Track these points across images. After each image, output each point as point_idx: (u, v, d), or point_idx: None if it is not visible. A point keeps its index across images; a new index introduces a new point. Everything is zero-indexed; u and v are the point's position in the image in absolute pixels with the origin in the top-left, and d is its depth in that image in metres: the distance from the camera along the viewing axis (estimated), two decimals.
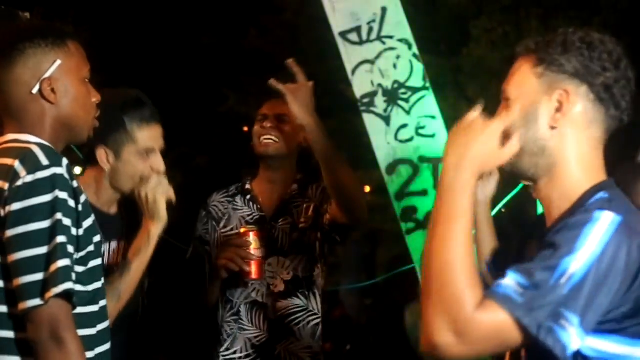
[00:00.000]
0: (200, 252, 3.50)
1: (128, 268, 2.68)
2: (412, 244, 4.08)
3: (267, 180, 3.54)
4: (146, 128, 2.82)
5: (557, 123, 1.82)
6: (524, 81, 1.87)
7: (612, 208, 1.71)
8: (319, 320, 3.45)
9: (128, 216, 2.89)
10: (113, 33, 12.07)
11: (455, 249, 1.70)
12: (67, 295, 2.06)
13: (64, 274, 2.05)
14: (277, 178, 3.53)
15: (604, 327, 1.69)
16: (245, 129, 14.14)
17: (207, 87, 12.75)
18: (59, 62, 2.25)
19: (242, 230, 3.31)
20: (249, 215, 3.50)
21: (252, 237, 3.27)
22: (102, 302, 2.29)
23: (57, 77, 2.25)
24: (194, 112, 12.75)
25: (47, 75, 2.24)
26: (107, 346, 2.31)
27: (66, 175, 2.12)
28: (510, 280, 1.64)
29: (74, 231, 2.13)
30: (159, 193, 2.74)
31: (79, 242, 2.16)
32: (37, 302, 2.04)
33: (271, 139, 3.45)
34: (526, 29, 8.67)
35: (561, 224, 1.74)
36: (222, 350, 3.43)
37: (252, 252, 3.25)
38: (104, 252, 2.73)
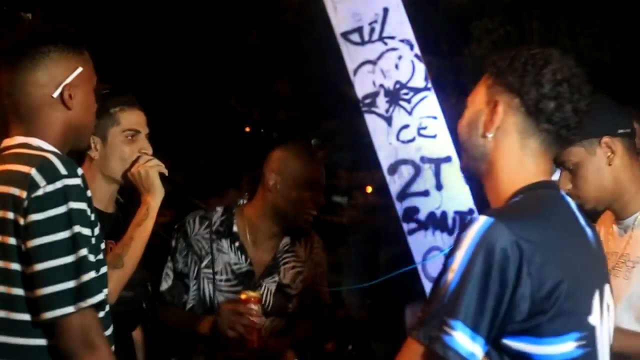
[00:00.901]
0: (179, 286, 3.32)
1: (130, 237, 2.70)
2: (414, 244, 4.08)
3: (263, 234, 3.36)
4: (128, 111, 2.84)
5: (488, 131, 1.93)
6: (477, 91, 2.01)
7: (492, 212, 1.80)
8: None
9: (123, 217, 2.89)
10: (114, 34, 12.08)
11: None
12: (98, 305, 2.09)
13: (96, 285, 2.08)
14: (277, 231, 3.37)
15: (513, 328, 1.75)
16: (247, 129, 14.17)
17: (208, 88, 12.75)
18: (80, 69, 2.27)
19: (244, 296, 3.09)
20: (235, 265, 3.29)
21: (252, 305, 3.08)
22: (107, 308, 2.30)
23: (75, 84, 2.26)
24: (195, 113, 12.76)
25: (68, 81, 2.24)
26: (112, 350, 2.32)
27: (82, 185, 2.13)
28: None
29: (92, 240, 2.14)
30: (149, 166, 2.77)
31: (95, 250, 2.17)
32: (69, 310, 2.05)
33: (314, 214, 3.35)
34: (527, 29, 8.67)
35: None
36: None
37: (255, 320, 3.08)
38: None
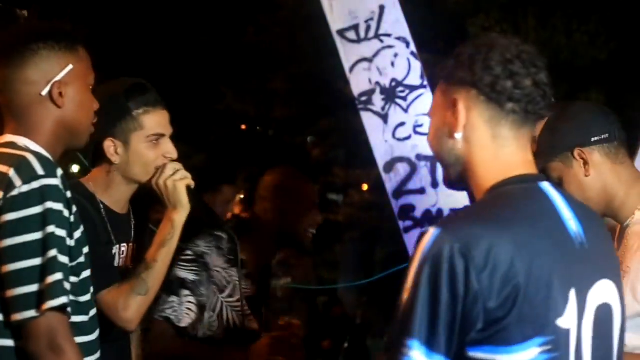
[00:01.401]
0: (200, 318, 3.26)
1: (154, 260, 2.59)
2: (410, 242, 4.08)
3: (259, 241, 3.38)
4: (152, 113, 2.70)
5: (456, 130, 1.88)
6: (435, 101, 1.96)
7: (444, 220, 1.82)
8: None
9: (135, 218, 2.81)
10: (111, 31, 12.07)
11: None
12: (63, 308, 2.06)
13: (59, 288, 2.05)
14: (272, 245, 3.42)
15: (472, 338, 1.68)
16: (243, 126, 14.16)
17: (204, 85, 12.74)
18: (71, 66, 2.25)
19: (282, 322, 3.15)
20: (244, 290, 3.26)
21: (296, 330, 3.14)
22: (92, 312, 2.28)
23: (66, 82, 2.24)
24: (191, 110, 12.75)
25: (58, 78, 2.23)
26: (96, 356, 2.30)
27: (60, 186, 2.11)
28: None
29: (68, 242, 2.12)
30: (178, 180, 2.63)
31: (72, 253, 2.15)
32: (32, 313, 2.04)
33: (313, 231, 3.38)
34: (523, 27, 8.67)
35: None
36: None
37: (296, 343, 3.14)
38: (115, 254, 2.68)
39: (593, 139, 2.55)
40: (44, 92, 2.21)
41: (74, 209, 2.19)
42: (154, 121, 2.71)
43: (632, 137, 4.90)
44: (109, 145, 2.66)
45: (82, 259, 2.21)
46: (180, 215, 2.65)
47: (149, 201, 2.81)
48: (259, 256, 3.36)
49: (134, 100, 2.68)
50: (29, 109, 2.22)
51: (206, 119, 12.91)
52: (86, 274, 2.24)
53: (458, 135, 1.87)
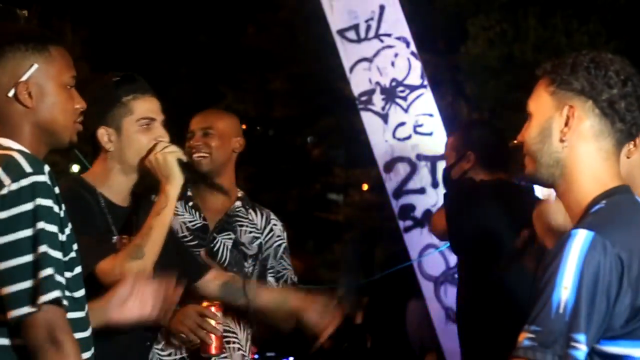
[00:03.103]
0: None
1: (150, 227, 2.62)
2: (410, 242, 4.08)
3: (209, 192, 3.41)
4: (142, 98, 2.77)
5: (565, 136, 1.98)
6: (540, 99, 2.04)
7: (588, 224, 1.85)
8: (244, 352, 3.37)
9: (137, 212, 2.84)
10: (111, 30, 12.08)
11: None
12: (58, 302, 2.07)
13: (52, 282, 2.06)
14: (219, 195, 3.41)
15: (609, 334, 1.82)
16: (243, 126, 14.17)
17: (204, 85, 12.75)
18: (36, 66, 2.25)
19: (205, 303, 3.08)
20: (190, 222, 3.36)
21: (215, 311, 3.05)
22: (87, 308, 2.29)
23: (34, 82, 2.25)
24: (191, 110, 12.74)
25: (23, 78, 2.24)
26: (89, 354, 2.30)
27: (49, 182, 2.12)
28: (524, 333, 1.80)
29: (60, 237, 2.13)
30: (167, 152, 2.69)
31: (64, 248, 2.16)
32: (27, 309, 2.05)
33: (202, 155, 3.38)
34: (524, 27, 8.68)
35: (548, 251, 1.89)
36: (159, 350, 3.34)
37: (217, 326, 3.07)
38: (115, 243, 2.70)
39: None
40: (10, 94, 2.23)
41: (63, 206, 2.20)
42: (143, 106, 2.77)
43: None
44: (102, 134, 2.72)
45: (73, 254, 2.22)
46: (173, 186, 2.70)
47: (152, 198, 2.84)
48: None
49: (123, 88, 2.76)
50: (2, 112, 2.24)
51: None
52: (79, 269, 2.25)
53: (566, 141, 1.98)
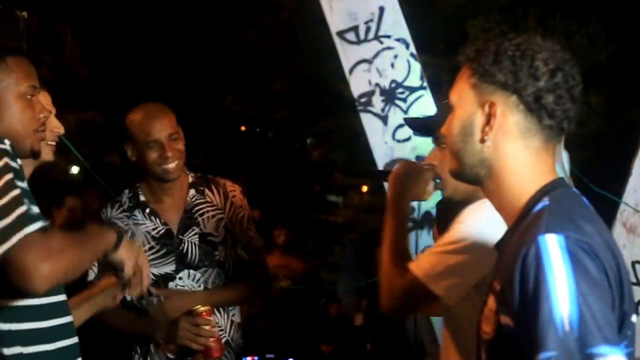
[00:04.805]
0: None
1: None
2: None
3: (162, 192, 3.39)
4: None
5: (487, 136, 1.81)
6: (461, 91, 1.86)
7: (549, 227, 1.67)
8: (225, 336, 3.37)
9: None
10: (111, 32, 12.07)
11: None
12: (42, 230, 2.12)
13: (33, 215, 2.11)
14: (173, 187, 3.40)
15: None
16: (243, 128, 14.16)
17: (204, 86, 12.75)
18: None
19: (200, 309, 3.17)
20: (154, 230, 3.33)
21: (206, 316, 3.17)
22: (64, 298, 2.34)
23: None
24: (191, 111, 12.76)
25: None
26: (72, 340, 2.36)
27: (10, 151, 2.19)
28: None
29: (26, 187, 2.18)
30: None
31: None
32: (14, 240, 2.08)
33: (171, 165, 3.34)
34: (523, 28, 8.67)
35: (517, 267, 1.67)
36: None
37: (211, 330, 3.19)
38: None
39: None
40: None
41: (25, 183, 2.26)
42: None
43: (632, 137, 4.90)
44: None
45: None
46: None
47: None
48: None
49: None
50: None
51: (206, 121, 12.92)
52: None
53: (488, 140, 1.81)
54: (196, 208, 3.39)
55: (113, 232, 2.43)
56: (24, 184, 2.18)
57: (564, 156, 3.92)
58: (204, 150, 13.14)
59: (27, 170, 2.75)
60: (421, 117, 2.92)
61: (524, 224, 1.75)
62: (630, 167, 4.60)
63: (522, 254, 1.65)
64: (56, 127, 2.69)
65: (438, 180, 2.66)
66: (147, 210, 3.38)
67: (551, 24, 8.55)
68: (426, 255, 2.51)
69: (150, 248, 3.32)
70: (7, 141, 2.21)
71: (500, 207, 1.87)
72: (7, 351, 2.17)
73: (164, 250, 3.32)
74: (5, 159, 2.15)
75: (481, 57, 1.81)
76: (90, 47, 11.13)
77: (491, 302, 1.75)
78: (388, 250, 2.60)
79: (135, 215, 3.38)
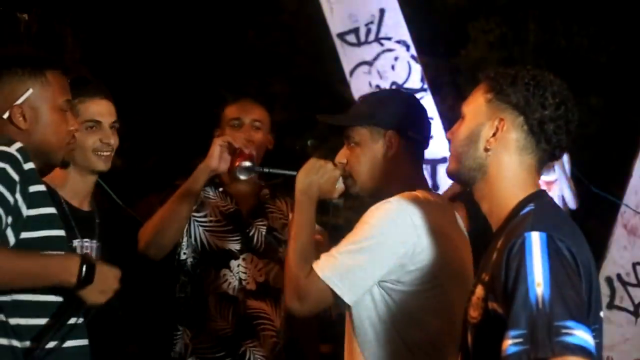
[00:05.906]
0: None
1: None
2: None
3: (241, 181, 3.48)
4: (88, 101, 2.93)
5: (491, 146, 2.07)
6: (476, 103, 2.12)
7: (536, 225, 1.92)
8: (277, 339, 3.41)
9: (102, 216, 2.92)
10: (111, 34, 12.07)
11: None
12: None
13: None
14: (251, 180, 3.50)
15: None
16: None
17: (204, 88, 12.75)
18: (31, 90, 2.35)
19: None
20: (224, 207, 3.45)
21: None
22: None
23: (29, 105, 2.38)
24: (191, 113, 12.76)
25: (18, 102, 2.35)
26: (84, 341, 2.38)
27: (15, 154, 2.20)
28: (507, 340, 1.80)
29: (8, 197, 2.18)
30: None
31: (18, 213, 2.21)
32: None
33: (251, 151, 3.40)
34: (523, 30, 8.68)
35: (503, 259, 1.91)
36: (190, 338, 3.37)
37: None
38: (75, 248, 2.76)
39: (409, 134, 2.74)
40: (5, 116, 2.34)
41: (37, 187, 2.25)
42: (89, 109, 2.95)
43: (632, 140, 4.90)
44: None
45: (39, 234, 2.28)
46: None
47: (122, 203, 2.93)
48: None
49: (72, 92, 2.90)
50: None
51: (206, 122, 12.93)
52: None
53: (491, 150, 2.07)
54: (267, 205, 3.53)
55: (76, 264, 2.29)
56: (15, 180, 2.19)
57: (565, 157, 3.94)
58: (204, 151, 13.15)
59: (89, 182, 2.86)
60: (332, 115, 3.03)
61: (512, 224, 1.99)
62: (630, 168, 4.61)
63: (509, 247, 1.90)
64: (106, 137, 2.85)
65: (346, 179, 2.84)
66: (221, 189, 3.51)
67: (552, 25, 8.56)
68: (330, 254, 2.63)
69: (217, 221, 3.39)
70: (17, 145, 2.22)
71: (489, 208, 2.10)
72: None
73: (230, 227, 3.39)
74: (1, 164, 2.19)
75: (500, 78, 2.08)
76: (91, 49, 11.13)
77: (479, 291, 1.99)
78: (293, 249, 2.68)
79: (206, 191, 3.47)
